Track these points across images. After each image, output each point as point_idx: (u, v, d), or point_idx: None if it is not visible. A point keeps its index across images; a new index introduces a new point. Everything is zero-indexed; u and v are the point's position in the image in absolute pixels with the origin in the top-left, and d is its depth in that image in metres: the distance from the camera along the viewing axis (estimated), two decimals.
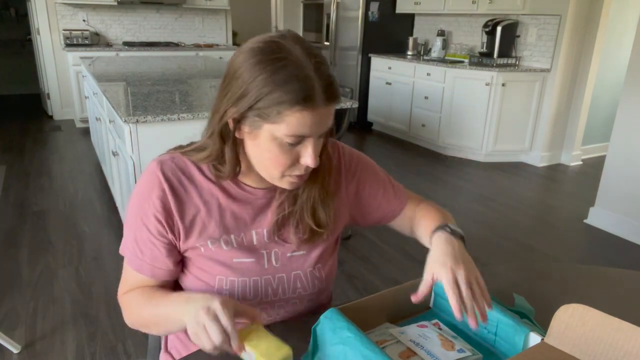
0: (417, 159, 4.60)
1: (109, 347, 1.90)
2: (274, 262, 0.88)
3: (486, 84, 4.30)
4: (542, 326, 0.78)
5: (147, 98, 2.44)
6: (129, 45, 5.55)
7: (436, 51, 5.17)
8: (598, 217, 3.17)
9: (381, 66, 5.39)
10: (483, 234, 3.04)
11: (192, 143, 0.88)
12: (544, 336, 0.69)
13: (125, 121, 2.05)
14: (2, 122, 5.58)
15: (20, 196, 3.39)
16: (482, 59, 4.42)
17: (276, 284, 0.88)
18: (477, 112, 4.44)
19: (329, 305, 1.03)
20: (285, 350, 0.66)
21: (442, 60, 4.87)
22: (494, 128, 4.41)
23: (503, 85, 4.26)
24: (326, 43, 5.91)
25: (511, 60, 4.41)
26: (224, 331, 0.67)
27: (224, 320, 0.67)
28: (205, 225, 0.85)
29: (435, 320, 0.83)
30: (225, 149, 0.81)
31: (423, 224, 0.95)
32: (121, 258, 0.89)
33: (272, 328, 0.86)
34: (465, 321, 0.82)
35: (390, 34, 5.57)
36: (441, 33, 5.16)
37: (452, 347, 0.75)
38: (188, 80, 3.17)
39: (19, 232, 2.85)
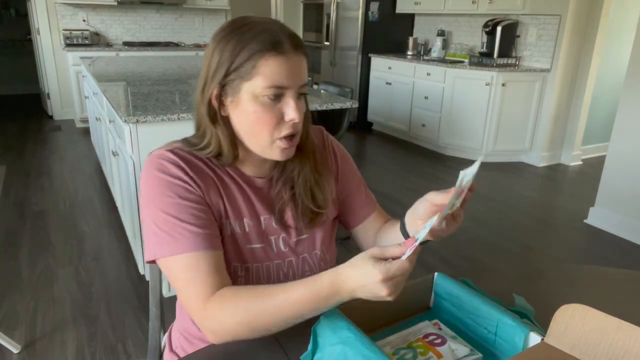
0: (417, 159, 4.60)
1: (109, 347, 1.90)
2: (282, 247, 0.90)
3: (486, 84, 4.30)
4: (542, 326, 0.78)
5: (147, 98, 2.44)
6: (129, 45, 5.55)
7: (436, 51, 5.17)
8: (598, 217, 3.17)
9: (381, 66, 5.39)
10: (483, 234, 3.04)
11: (185, 139, 0.89)
12: (544, 336, 0.69)
13: (125, 121, 2.05)
14: (2, 122, 5.58)
15: (20, 196, 3.39)
16: (482, 59, 4.42)
17: (287, 268, 0.91)
18: (477, 112, 4.44)
19: None
20: None
21: (442, 60, 4.87)
22: (494, 128, 4.41)
23: (503, 85, 4.26)
24: (326, 43, 5.91)
25: (511, 60, 4.41)
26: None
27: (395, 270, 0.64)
28: (225, 205, 0.85)
29: (435, 320, 0.83)
30: (218, 133, 0.83)
31: (393, 224, 0.95)
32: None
33: None
34: (465, 321, 0.82)
35: (390, 34, 5.57)
36: (441, 33, 5.16)
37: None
38: (188, 80, 3.17)
39: (19, 232, 2.85)
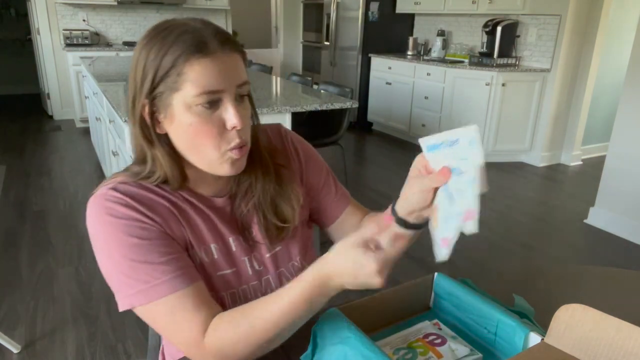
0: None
1: (109, 347, 1.90)
2: (256, 267, 0.84)
3: (486, 84, 4.30)
4: (542, 326, 0.78)
5: None
6: (129, 45, 5.55)
7: (436, 51, 5.17)
8: (598, 217, 3.17)
9: (381, 66, 5.39)
10: (483, 234, 3.04)
11: (128, 168, 0.80)
12: (544, 336, 0.69)
13: (125, 121, 2.04)
14: (2, 122, 5.58)
15: (20, 196, 3.39)
16: (482, 59, 4.42)
17: (264, 287, 0.85)
18: (477, 112, 4.44)
19: None
20: None
21: (442, 60, 4.87)
22: (494, 128, 4.40)
23: (503, 85, 4.26)
24: (326, 43, 5.91)
25: (511, 60, 4.41)
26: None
27: (384, 242, 0.63)
28: (187, 234, 0.77)
29: (435, 320, 0.83)
30: (158, 155, 0.75)
31: (375, 217, 0.89)
32: None
33: None
34: (465, 321, 0.82)
35: (390, 34, 5.57)
36: (441, 33, 5.16)
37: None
38: None
39: (19, 232, 2.85)
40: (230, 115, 0.71)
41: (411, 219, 0.72)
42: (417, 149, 0.69)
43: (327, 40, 5.88)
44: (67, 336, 1.96)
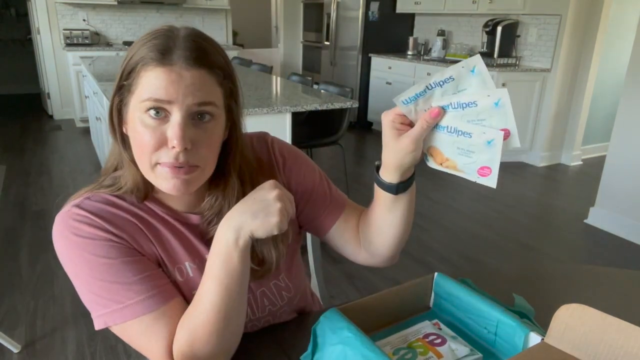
0: None
1: (109, 347, 1.90)
2: None
3: None
4: (542, 326, 0.78)
5: None
6: (129, 44, 5.52)
7: (436, 51, 5.16)
8: (598, 217, 3.17)
9: (381, 66, 5.39)
10: (483, 234, 3.04)
11: (98, 183, 0.77)
12: (544, 336, 0.69)
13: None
14: (2, 122, 5.58)
15: (20, 196, 3.39)
16: (482, 59, 4.41)
17: None
18: None
19: (315, 309, 1.01)
20: None
21: (442, 60, 4.87)
22: None
23: (503, 85, 4.26)
24: (326, 43, 5.91)
25: (511, 60, 4.41)
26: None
27: (287, 192, 0.69)
28: (158, 251, 0.75)
29: (435, 320, 0.83)
30: (123, 156, 0.73)
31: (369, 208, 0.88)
32: None
33: (270, 330, 0.86)
34: (465, 321, 0.82)
35: (390, 33, 5.57)
36: (441, 33, 5.16)
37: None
38: None
39: (19, 232, 2.85)
40: (172, 133, 0.66)
41: (407, 176, 0.74)
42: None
43: (327, 40, 5.88)
44: (67, 336, 1.96)
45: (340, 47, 5.73)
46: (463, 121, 0.65)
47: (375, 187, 0.79)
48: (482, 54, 4.45)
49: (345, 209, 0.90)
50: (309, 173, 0.90)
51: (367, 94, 5.64)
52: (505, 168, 4.37)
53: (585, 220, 3.25)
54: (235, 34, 6.91)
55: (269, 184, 0.69)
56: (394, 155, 0.71)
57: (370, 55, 5.48)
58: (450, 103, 0.65)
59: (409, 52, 5.41)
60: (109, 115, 0.72)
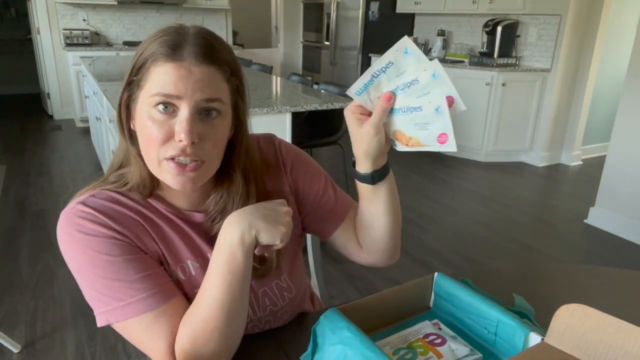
0: (418, 158, 4.60)
1: (108, 347, 1.90)
2: None
3: (486, 84, 4.30)
4: (542, 326, 0.78)
5: None
6: (130, 44, 5.55)
7: (436, 51, 5.16)
8: (598, 217, 3.17)
9: None
10: (483, 234, 3.04)
11: (103, 180, 0.78)
12: (544, 336, 0.69)
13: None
14: (2, 122, 5.59)
15: (20, 196, 3.39)
16: (483, 59, 4.42)
17: None
18: (477, 112, 4.44)
19: (316, 309, 1.01)
20: None
21: (442, 60, 4.87)
22: (494, 128, 4.40)
23: (503, 85, 4.26)
24: (326, 43, 5.91)
25: (511, 60, 4.41)
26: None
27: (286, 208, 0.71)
28: (161, 249, 0.75)
29: (435, 320, 0.83)
30: (131, 151, 0.74)
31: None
32: None
33: (270, 330, 0.86)
34: (465, 321, 0.82)
35: (390, 33, 5.56)
36: (441, 33, 5.16)
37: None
38: None
39: (19, 232, 2.85)
40: (179, 126, 0.66)
41: (381, 164, 0.77)
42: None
43: (327, 40, 5.89)
44: (67, 336, 1.96)
45: (340, 47, 5.73)
46: (412, 98, 0.69)
47: (356, 182, 0.83)
48: (482, 54, 4.46)
49: (349, 212, 0.91)
50: (315, 177, 0.91)
51: None
52: (505, 168, 4.38)
53: (585, 220, 3.25)
54: (235, 34, 6.91)
55: (280, 200, 0.72)
56: (359, 145, 0.74)
57: (370, 55, 5.48)
58: (397, 86, 0.69)
59: None
60: (118, 111, 0.73)
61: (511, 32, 4.39)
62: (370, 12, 5.33)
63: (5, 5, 7.04)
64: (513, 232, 3.07)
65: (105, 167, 3.41)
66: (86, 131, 5.06)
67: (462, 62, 4.71)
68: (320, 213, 0.90)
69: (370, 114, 0.72)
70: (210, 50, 0.68)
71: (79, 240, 0.70)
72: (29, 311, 2.11)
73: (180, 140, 0.66)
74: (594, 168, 4.32)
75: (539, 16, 4.29)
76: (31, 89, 6.99)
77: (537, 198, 3.75)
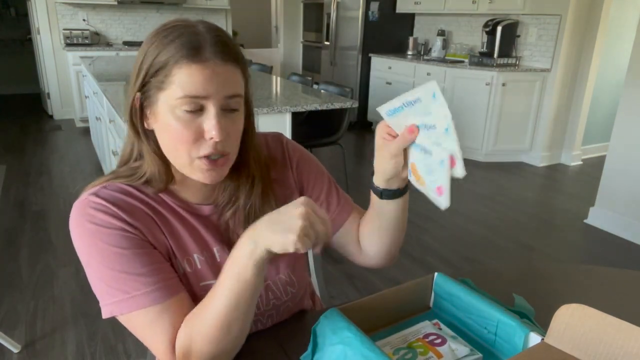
0: None
1: (109, 347, 1.90)
2: None
3: (486, 84, 4.30)
4: (542, 326, 0.78)
5: None
6: (129, 44, 5.55)
7: (436, 51, 5.17)
8: (598, 217, 3.17)
9: (381, 66, 5.39)
10: (483, 234, 3.04)
11: (114, 172, 0.80)
12: (544, 336, 0.69)
13: (125, 121, 2.04)
14: (2, 122, 5.58)
15: (20, 196, 3.39)
16: (482, 59, 4.42)
17: None
18: (477, 112, 4.44)
19: (316, 309, 1.01)
20: None
21: (442, 60, 4.87)
22: (494, 128, 4.40)
23: (503, 85, 4.26)
24: (326, 43, 5.91)
25: (511, 60, 4.41)
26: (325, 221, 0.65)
27: (321, 213, 0.65)
28: (169, 243, 0.77)
29: (435, 320, 0.83)
30: (143, 149, 0.75)
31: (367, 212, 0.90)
32: None
33: (270, 329, 0.86)
34: (465, 321, 0.82)
35: (390, 33, 5.57)
36: (441, 33, 5.16)
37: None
38: None
39: (19, 232, 2.85)
40: (210, 125, 0.69)
41: (393, 186, 0.77)
42: None
43: (327, 40, 5.88)
44: (67, 336, 1.96)
45: (340, 47, 5.73)
46: (430, 141, 0.69)
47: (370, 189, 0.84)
48: (482, 54, 4.46)
49: (352, 214, 0.92)
50: (319, 178, 0.93)
51: (367, 94, 5.64)
52: (505, 168, 4.38)
53: (585, 220, 3.25)
54: (235, 34, 6.91)
55: (300, 199, 0.65)
56: (378, 160, 0.76)
57: (370, 55, 5.48)
58: (423, 123, 0.69)
59: (409, 52, 5.41)
60: (130, 111, 0.74)
61: (511, 32, 4.39)
62: (370, 12, 5.33)
63: (5, 5, 7.04)
64: (513, 232, 3.07)
65: (105, 167, 3.42)
66: (86, 131, 5.06)
67: (462, 62, 4.71)
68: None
69: (396, 136, 0.74)
70: (228, 48, 0.70)
71: (90, 232, 0.71)
72: (29, 311, 2.11)
73: (211, 138, 0.69)
74: (594, 168, 4.32)
75: (539, 16, 4.29)
76: (31, 89, 6.98)
77: (537, 198, 3.75)
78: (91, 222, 0.71)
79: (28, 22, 5.85)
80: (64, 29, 5.29)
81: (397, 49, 5.59)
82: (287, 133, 2.51)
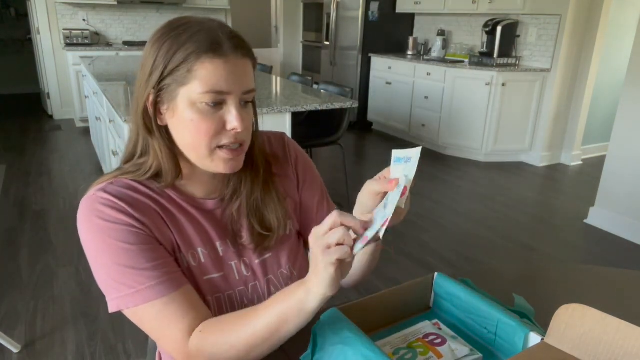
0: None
1: (109, 346, 1.90)
2: (244, 272, 0.83)
3: (486, 84, 4.30)
4: (542, 326, 0.78)
5: None
6: (129, 44, 5.55)
7: (436, 51, 5.17)
8: (598, 217, 3.17)
9: (381, 66, 5.39)
10: (483, 234, 3.04)
11: (120, 168, 0.81)
12: (544, 336, 0.69)
13: (125, 121, 2.04)
14: (2, 122, 5.59)
15: (20, 196, 3.39)
16: (482, 59, 4.42)
17: (251, 294, 0.84)
18: (477, 112, 4.44)
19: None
20: None
21: (442, 60, 4.87)
22: (494, 128, 4.41)
23: (503, 85, 4.26)
24: (326, 43, 5.91)
25: (511, 60, 4.41)
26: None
27: (347, 240, 0.62)
28: (174, 237, 0.78)
29: (435, 320, 0.83)
30: (155, 146, 0.76)
31: None
32: None
33: None
34: (465, 321, 0.82)
35: (390, 33, 5.57)
36: (441, 33, 5.16)
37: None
38: None
39: (19, 232, 2.85)
40: (232, 117, 0.72)
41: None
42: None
43: (327, 40, 5.88)
44: (67, 336, 1.96)
45: (340, 47, 5.73)
46: (389, 198, 0.69)
47: None
48: (482, 54, 4.46)
49: None
50: (314, 186, 0.94)
51: (367, 94, 5.64)
52: (505, 168, 4.38)
53: (585, 220, 3.25)
54: None
55: (313, 234, 0.63)
56: (362, 192, 0.72)
57: (370, 55, 5.48)
58: (403, 182, 0.69)
59: (409, 52, 5.41)
60: (143, 108, 0.74)
61: (511, 32, 4.39)
62: (370, 12, 5.33)
63: (5, 6, 7.04)
64: (513, 232, 3.07)
65: (105, 167, 3.42)
66: (86, 131, 5.06)
67: (462, 62, 4.71)
68: (307, 225, 0.92)
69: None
70: (243, 43, 0.74)
71: (98, 227, 0.72)
72: (29, 311, 2.11)
73: (234, 129, 0.73)
74: (593, 168, 4.32)
75: (538, 16, 4.29)
76: (31, 89, 6.98)
77: (537, 198, 3.75)
78: (100, 218, 0.72)
79: (28, 22, 5.85)
80: (64, 29, 5.29)
81: (397, 49, 5.60)
82: (287, 133, 2.51)
